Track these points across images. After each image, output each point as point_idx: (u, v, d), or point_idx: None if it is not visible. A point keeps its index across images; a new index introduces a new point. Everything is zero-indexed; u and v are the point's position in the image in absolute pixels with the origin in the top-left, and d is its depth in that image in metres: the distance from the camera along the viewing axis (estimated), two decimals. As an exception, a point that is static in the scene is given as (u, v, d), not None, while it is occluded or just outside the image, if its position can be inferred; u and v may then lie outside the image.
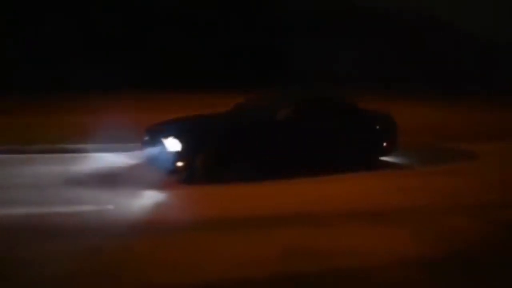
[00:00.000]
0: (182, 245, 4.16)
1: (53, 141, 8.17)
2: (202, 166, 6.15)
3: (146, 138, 6.69)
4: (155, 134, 6.46)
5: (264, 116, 6.80)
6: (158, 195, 5.84)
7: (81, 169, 6.82)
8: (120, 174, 6.64)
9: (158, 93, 14.38)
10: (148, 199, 5.65)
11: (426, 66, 17.51)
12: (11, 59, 16.40)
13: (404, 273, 3.76)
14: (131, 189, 5.80)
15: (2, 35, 17.18)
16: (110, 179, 6.31)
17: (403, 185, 6.33)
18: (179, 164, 6.11)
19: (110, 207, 5.14)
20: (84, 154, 7.73)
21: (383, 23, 21.01)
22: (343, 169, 6.89)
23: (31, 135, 8.51)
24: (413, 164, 7.95)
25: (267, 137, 6.59)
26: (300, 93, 7.77)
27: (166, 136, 6.21)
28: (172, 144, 6.14)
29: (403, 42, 19.35)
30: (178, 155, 6.10)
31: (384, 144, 7.71)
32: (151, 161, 6.54)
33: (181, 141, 6.11)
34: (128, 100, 12.51)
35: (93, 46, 16.90)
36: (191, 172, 6.16)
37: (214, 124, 6.78)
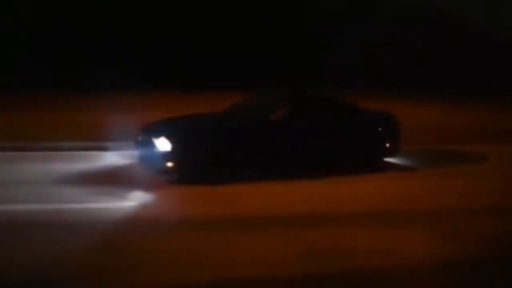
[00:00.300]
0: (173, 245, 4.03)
1: (60, 139, 8.05)
2: (195, 165, 5.96)
3: (140, 137, 6.50)
4: (148, 134, 6.28)
5: (260, 115, 6.59)
6: (144, 195, 5.62)
7: (74, 167, 6.65)
8: (111, 173, 6.48)
9: (171, 92, 14.07)
10: (132, 199, 5.42)
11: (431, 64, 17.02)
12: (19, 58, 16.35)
13: (418, 274, 3.65)
14: (117, 189, 5.63)
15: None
16: (99, 178, 6.17)
17: (408, 187, 6.15)
18: (169, 164, 5.92)
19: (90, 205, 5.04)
20: (85, 153, 7.61)
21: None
22: (342, 170, 6.62)
23: (38, 133, 8.32)
24: (418, 166, 7.68)
25: (263, 137, 6.37)
26: (298, 92, 7.54)
27: (157, 136, 6.03)
28: (163, 144, 5.95)
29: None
30: (169, 155, 5.91)
31: (387, 145, 7.42)
32: (143, 161, 6.37)
33: (172, 141, 5.93)
34: (138, 98, 12.34)
35: (102, 45, 16.74)
36: (182, 172, 5.97)
37: (208, 124, 6.56)
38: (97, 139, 8.00)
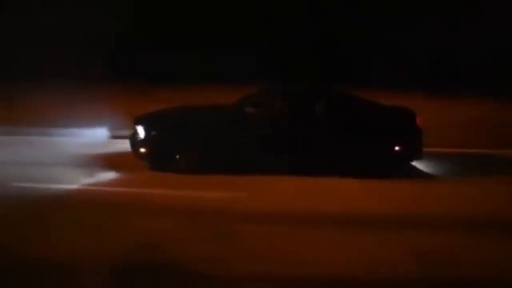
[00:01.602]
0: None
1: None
2: (162, 154, 6.28)
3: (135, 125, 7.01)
4: (136, 123, 6.73)
5: (232, 111, 6.59)
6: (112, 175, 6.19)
7: (92, 151, 7.42)
8: (111, 158, 7.10)
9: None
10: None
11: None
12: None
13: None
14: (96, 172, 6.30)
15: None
16: (95, 162, 6.80)
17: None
18: (142, 150, 6.33)
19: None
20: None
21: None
22: (334, 173, 6.21)
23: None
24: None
25: (232, 133, 6.36)
26: (289, 90, 7.24)
27: (138, 124, 6.49)
28: (140, 132, 6.40)
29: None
30: (142, 142, 6.33)
31: (396, 148, 6.60)
32: (132, 147, 6.87)
33: (144, 129, 6.33)
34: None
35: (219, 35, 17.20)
36: (151, 159, 6.32)
37: (179, 116, 6.76)
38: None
